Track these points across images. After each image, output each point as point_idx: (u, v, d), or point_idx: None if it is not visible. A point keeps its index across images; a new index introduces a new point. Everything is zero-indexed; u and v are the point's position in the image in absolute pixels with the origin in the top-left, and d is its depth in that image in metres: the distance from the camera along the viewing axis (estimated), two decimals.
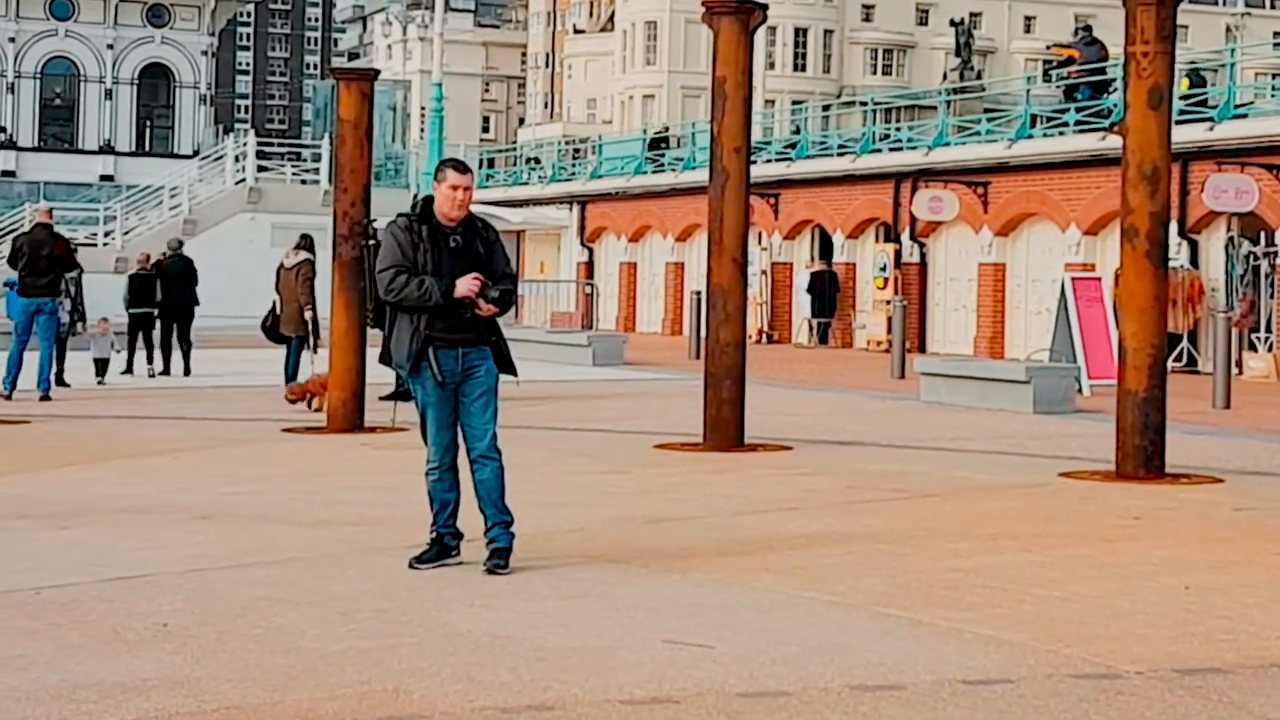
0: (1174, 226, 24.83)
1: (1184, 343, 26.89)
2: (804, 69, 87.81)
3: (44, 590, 7.64)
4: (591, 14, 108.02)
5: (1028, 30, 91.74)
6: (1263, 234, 26.83)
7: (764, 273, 38.03)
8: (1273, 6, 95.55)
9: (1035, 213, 31.22)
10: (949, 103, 36.78)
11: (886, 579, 8.13)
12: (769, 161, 37.95)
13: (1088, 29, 32.73)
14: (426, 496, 8.33)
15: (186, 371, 23.38)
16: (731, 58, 14.83)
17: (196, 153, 52.05)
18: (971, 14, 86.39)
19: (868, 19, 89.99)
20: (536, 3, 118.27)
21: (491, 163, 57.85)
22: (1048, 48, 31.51)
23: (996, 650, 6.60)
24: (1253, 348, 26.39)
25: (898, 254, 34.37)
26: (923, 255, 34.17)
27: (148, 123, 55.73)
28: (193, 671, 6.11)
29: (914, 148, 34.99)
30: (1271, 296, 26.62)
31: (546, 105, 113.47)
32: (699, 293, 28.92)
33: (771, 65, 76.63)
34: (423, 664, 6.24)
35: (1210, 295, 27.29)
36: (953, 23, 76.48)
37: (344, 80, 16.59)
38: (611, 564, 8.49)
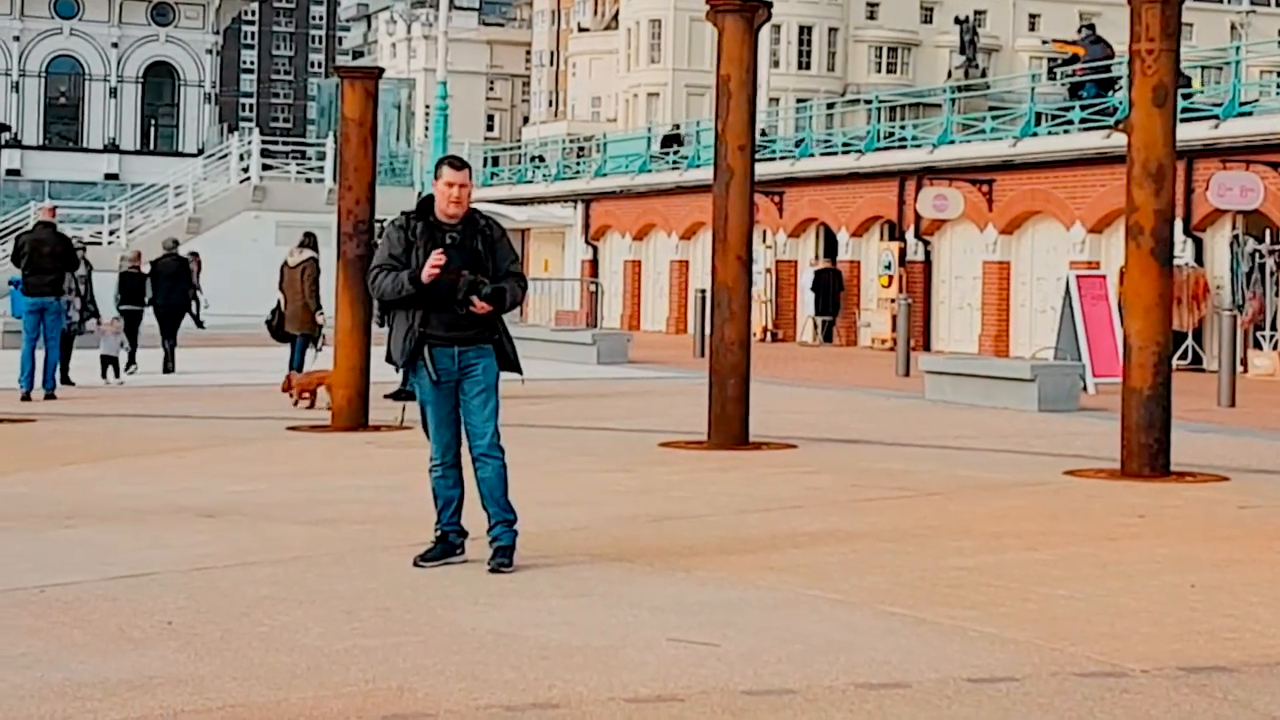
0: (1179, 224, 24.81)
1: (1189, 341, 26.86)
2: (808, 67, 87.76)
3: (48, 588, 7.65)
4: (596, 12, 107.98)
5: (1032, 28, 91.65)
6: (1268, 232, 26.80)
7: (768, 271, 38.00)
8: (1278, 4, 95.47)
9: (1040, 211, 31.19)
10: (954, 101, 36.76)
11: (891, 577, 8.13)
12: (774, 160, 37.93)
13: (1090, 27, 32.68)
14: (431, 494, 8.34)
15: (169, 369, 23.47)
16: (736, 56, 14.82)
17: (201, 151, 52.04)
18: (976, 12, 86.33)
19: (872, 17, 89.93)
20: (541, 1, 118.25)
21: (496, 161, 57.86)
22: (1044, 43, 31.48)
23: (1001, 648, 6.59)
24: (1258, 345, 26.37)
25: (902, 252, 34.35)
26: (927, 253, 34.15)
27: (152, 121, 55.72)
28: (197, 669, 6.12)
29: (919, 146, 34.96)
30: (1276, 294, 26.59)
31: (551, 103, 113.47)
32: (703, 291, 28.91)
33: (776, 63, 76.59)
34: (427, 662, 6.24)
35: (1215, 293, 27.26)
36: (957, 21, 76.44)
37: (348, 79, 16.59)
38: (616, 562, 8.49)
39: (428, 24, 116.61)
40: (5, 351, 19.49)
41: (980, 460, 13.78)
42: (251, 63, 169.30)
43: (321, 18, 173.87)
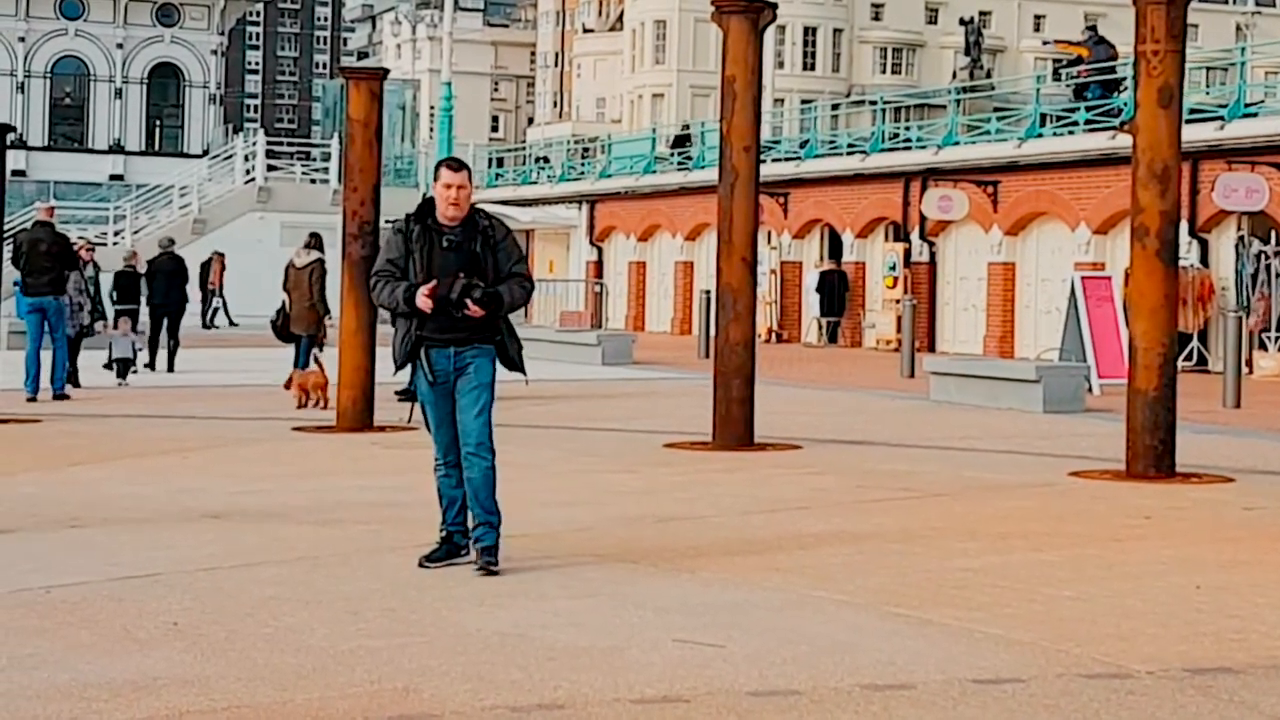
0: (1184, 226, 24.79)
1: (1194, 342, 26.85)
2: (813, 68, 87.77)
3: (54, 589, 7.65)
4: (601, 13, 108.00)
5: (1037, 29, 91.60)
6: (1273, 233, 26.77)
7: (773, 272, 38.00)
8: None
9: (1045, 212, 31.18)
10: (958, 102, 36.74)
11: (896, 578, 8.13)
12: (778, 161, 37.93)
13: (1093, 29, 32.67)
14: (436, 494, 8.34)
15: (170, 368, 23.52)
16: (741, 57, 14.83)
17: (206, 152, 52.08)
18: (981, 13, 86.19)
19: (877, 18, 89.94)
20: (546, 2, 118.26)
21: (500, 162, 57.87)
22: (1045, 44, 31.44)
23: (1007, 650, 6.59)
24: (1263, 347, 26.35)
25: (907, 253, 34.34)
26: (932, 254, 34.14)
27: (157, 122, 55.77)
28: (203, 670, 6.12)
29: (923, 147, 34.95)
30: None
31: (556, 104, 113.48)
32: (708, 292, 28.91)
33: (781, 64, 76.56)
34: (433, 663, 6.24)
35: (1220, 294, 27.24)
36: (962, 21, 76.31)
37: (353, 80, 16.60)
38: (621, 563, 8.49)
39: (432, 25, 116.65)
40: (11, 352, 19.46)
41: (985, 461, 13.78)
42: (256, 64, 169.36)
43: (326, 19, 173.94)
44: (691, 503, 10.99)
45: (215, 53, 56.29)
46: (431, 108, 75.15)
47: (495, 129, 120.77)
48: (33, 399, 18.13)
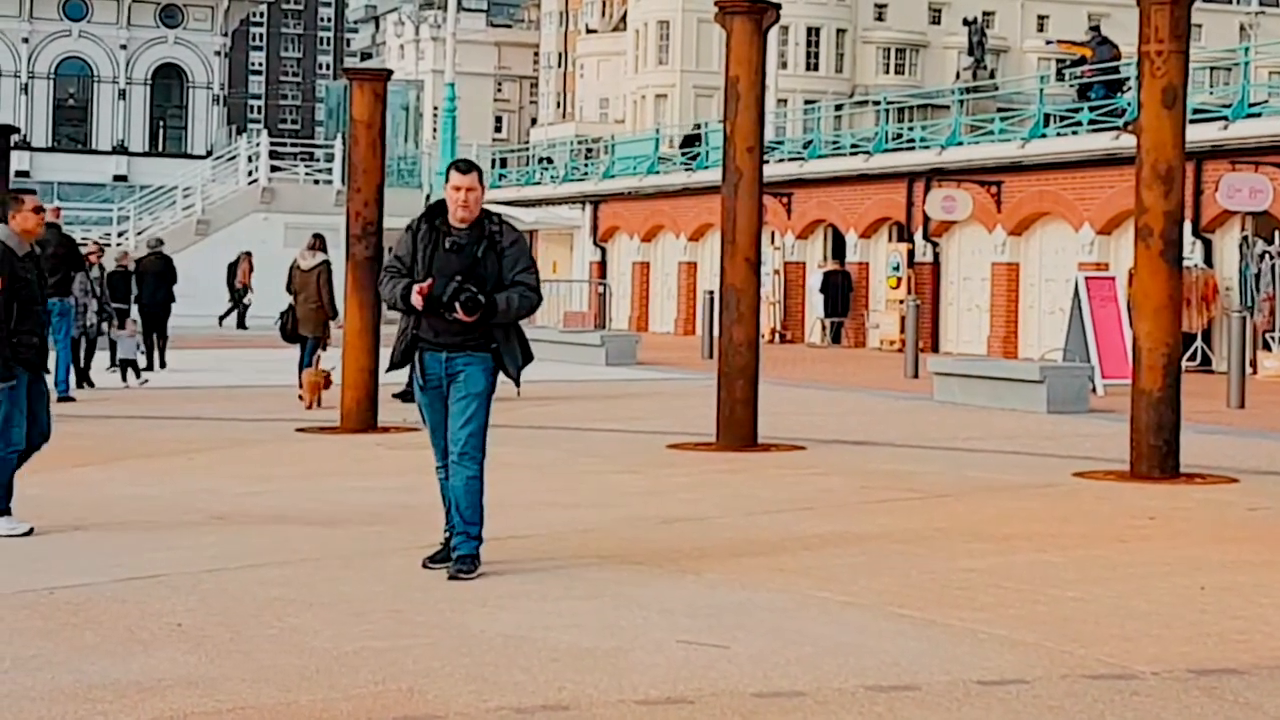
0: (1188, 226, 24.78)
1: (1198, 342, 26.84)
2: (817, 68, 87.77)
3: (58, 590, 7.65)
4: (604, 13, 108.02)
5: (1041, 29, 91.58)
6: (1276, 233, 26.76)
7: (777, 272, 38.00)
8: None
9: (1049, 212, 31.18)
10: (962, 102, 36.74)
11: (900, 579, 8.12)
12: (782, 161, 37.93)
13: (1096, 29, 32.66)
14: (440, 495, 8.34)
15: (162, 365, 23.57)
16: (744, 57, 14.82)
17: (210, 153, 52.11)
18: (984, 13, 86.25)
19: (880, 18, 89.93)
20: (549, 2, 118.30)
21: (504, 162, 57.88)
22: (1048, 43, 31.39)
23: (1011, 651, 6.59)
24: (1267, 347, 26.33)
25: (911, 253, 34.34)
26: (936, 255, 34.13)
27: (161, 123, 55.81)
28: (207, 671, 6.12)
29: (927, 147, 34.95)
30: None
31: (559, 105, 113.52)
32: (712, 292, 28.91)
33: (784, 65, 76.54)
34: (437, 664, 6.24)
35: (1224, 294, 27.23)
36: (966, 22, 76.41)
37: (357, 81, 16.60)
38: (625, 564, 8.49)
39: (436, 25, 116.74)
40: None
41: (989, 462, 13.78)
42: (260, 64, 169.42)
43: (329, 20, 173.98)
44: (695, 503, 10.99)
45: (219, 53, 56.33)
46: (435, 108, 75.18)
47: (499, 130, 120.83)
48: None
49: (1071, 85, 33.33)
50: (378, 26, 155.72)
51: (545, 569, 8.25)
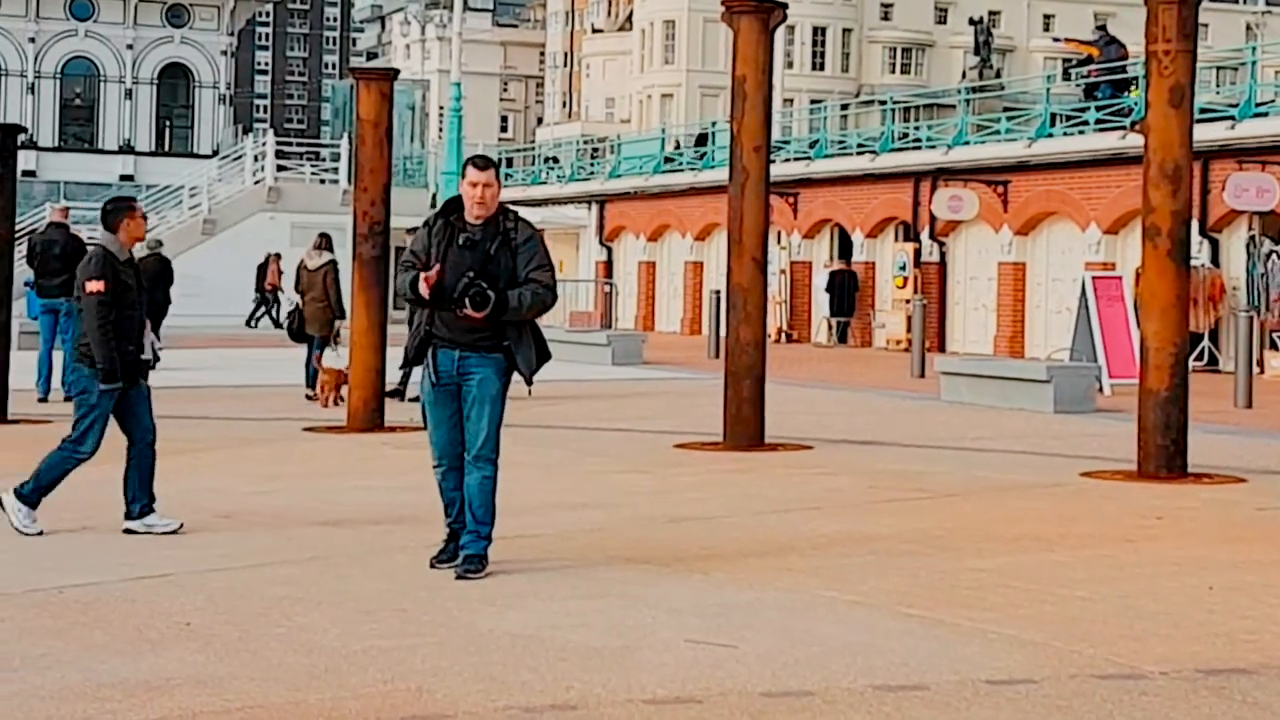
0: (1195, 225, 24.76)
1: (1205, 342, 26.81)
2: (823, 68, 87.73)
3: (67, 589, 7.66)
4: (610, 13, 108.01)
5: (1047, 28, 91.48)
6: None
7: (783, 272, 37.98)
8: None
9: (1055, 212, 31.15)
10: (968, 101, 36.74)
11: (909, 579, 8.12)
12: (788, 161, 37.91)
13: (1103, 28, 32.63)
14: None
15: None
16: (751, 57, 14.82)
17: (216, 152, 52.12)
18: (990, 12, 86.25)
19: (886, 18, 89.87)
20: (555, 2, 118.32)
21: (510, 162, 57.87)
22: (1055, 40, 31.30)
23: (1020, 650, 6.59)
24: (1274, 346, 26.30)
25: (917, 253, 34.32)
26: (942, 254, 34.11)
27: (167, 122, 55.83)
28: (216, 670, 6.13)
29: (933, 147, 34.93)
30: None
31: (565, 104, 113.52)
32: (718, 292, 28.90)
33: (790, 64, 76.58)
34: (445, 663, 6.24)
35: (1231, 294, 27.21)
36: (972, 21, 76.41)
37: (363, 80, 16.61)
38: (632, 564, 8.49)
39: (441, 25, 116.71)
40: (23, 353, 19.48)
41: (996, 462, 13.77)
42: (266, 64, 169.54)
43: (336, 19, 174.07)
44: (703, 503, 10.99)
45: (225, 53, 56.35)
46: (441, 108, 75.17)
47: (504, 129, 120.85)
48: (44, 400, 18.15)
49: (1078, 85, 33.31)
50: (383, 26, 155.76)
51: (553, 568, 8.26)
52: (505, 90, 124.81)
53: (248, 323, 40.09)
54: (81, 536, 9.35)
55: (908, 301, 31.62)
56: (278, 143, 49.46)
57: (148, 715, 5.52)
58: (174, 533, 9.30)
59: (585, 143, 59.27)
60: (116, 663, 6.25)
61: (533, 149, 64.97)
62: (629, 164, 47.38)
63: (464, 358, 8.02)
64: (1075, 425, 16.94)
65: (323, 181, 49.30)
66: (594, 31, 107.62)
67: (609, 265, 46.45)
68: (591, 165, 51.89)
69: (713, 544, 9.15)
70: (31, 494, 9.38)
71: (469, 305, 7.86)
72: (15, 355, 16.94)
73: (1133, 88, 29.34)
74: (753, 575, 8.16)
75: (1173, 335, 12.77)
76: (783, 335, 37.31)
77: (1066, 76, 35.39)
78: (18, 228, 18.29)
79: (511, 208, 8.32)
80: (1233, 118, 27.15)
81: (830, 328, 36.68)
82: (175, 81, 55.69)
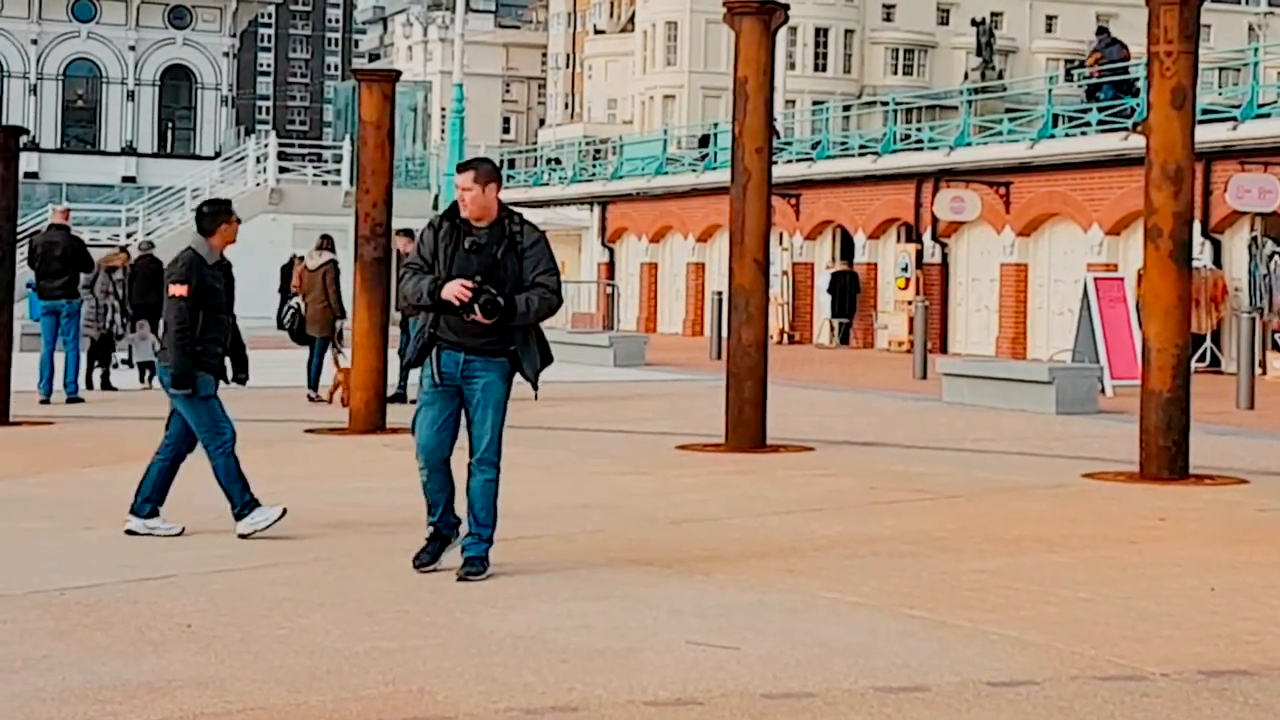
0: (1197, 226, 24.75)
1: (1207, 343, 26.80)
2: (825, 69, 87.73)
3: (69, 591, 7.67)
4: (612, 14, 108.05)
5: (1049, 30, 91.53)
6: None
7: (785, 273, 37.98)
8: None
9: (1057, 213, 31.14)
10: (970, 103, 36.72)
11: (910, 580, 8.12)
12: (790, 162, 37.91)
13: (1105, 30, 32.60)
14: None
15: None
16: (753, 58, 14.82)
17: (218, 154, 52.15)
18: (993, 14, 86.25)
19: (888, 19, 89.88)
20: (557, 3, 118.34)
21: (512, 163, 57.89)
22: (1081, 65, 31.27)
23: (1021, 652, 6.58)
24: (1276, 347, 26.28)
25: (919, 254, 34.31)
26: (944, 255, 34.10)
27: (169, 124, 55.87)
28: (217, 672, 6.13)
29: (935, 148, 34.92)
30: None
31: (567, 106, 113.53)
32: (720, 293, 28.89)
33: (792, 65, 76.52)
34: (446, 665, 6.24)
35: (1234, 295, 27.20)
36: (974, 22, 76.42)
37: (365, 82, 16.61)
38: (634, 565, 8.49)
39: (444, 26, 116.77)
40: (25, 354, 19.51)
41: (998, 463, 13.77)
42: (268, 66, 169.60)
43: (337, 21, 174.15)
44: (704, 504, 10.99)
45: (227, 55, 56.39)
46: (443, 109, 75.25)
47: (507, 130, 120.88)
48: (46, 401, 18.16)
49: (1080, 86, 33.28)
50: (386, 28, 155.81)
51: (555, 570, 8.26)
52: (507, 91, 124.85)
53: (280, 325, 40.09)
54: (83, 538, 9.34)
55: (910, 303, 31.61)
56: (280, 144, 49.48)
57: (149, 717, 5.53)
58: (176, 536, 9.29)
59: (587, 144, 59.30)
60: (118, 664, 6.25)
61: (535, 150, 64.99)
62: (631, 165, 47.39)
63: (469, 361, 8.02)
64: (1077, 426, 16.93)
65: (325, 183, 49.32)
66: (596, 33, 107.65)
67: (611, 267, 46.45)
68: (594, 167, 51.91)
69: (714, 545, 9.15)
70: (243, 506, 9.32)
71: (479, 312, 7.85)
72: (17, 357, 16.94)
73: (1135, 89, 29.33)
74: (754, 577, 8.16)
75: (1175, 336, 12.77)
76: (785, 336, 37.30)
77: (1069, 77, 35.38)
78: (20, 229, 18.29)
79: (517, 210, 8.31)
80: (1235, 119, 27.13)
81: (832, 329, 36.68)
82: (177, 83, 55.73)
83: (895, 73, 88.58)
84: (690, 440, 14.92)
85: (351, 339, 16.30)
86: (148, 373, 21.28)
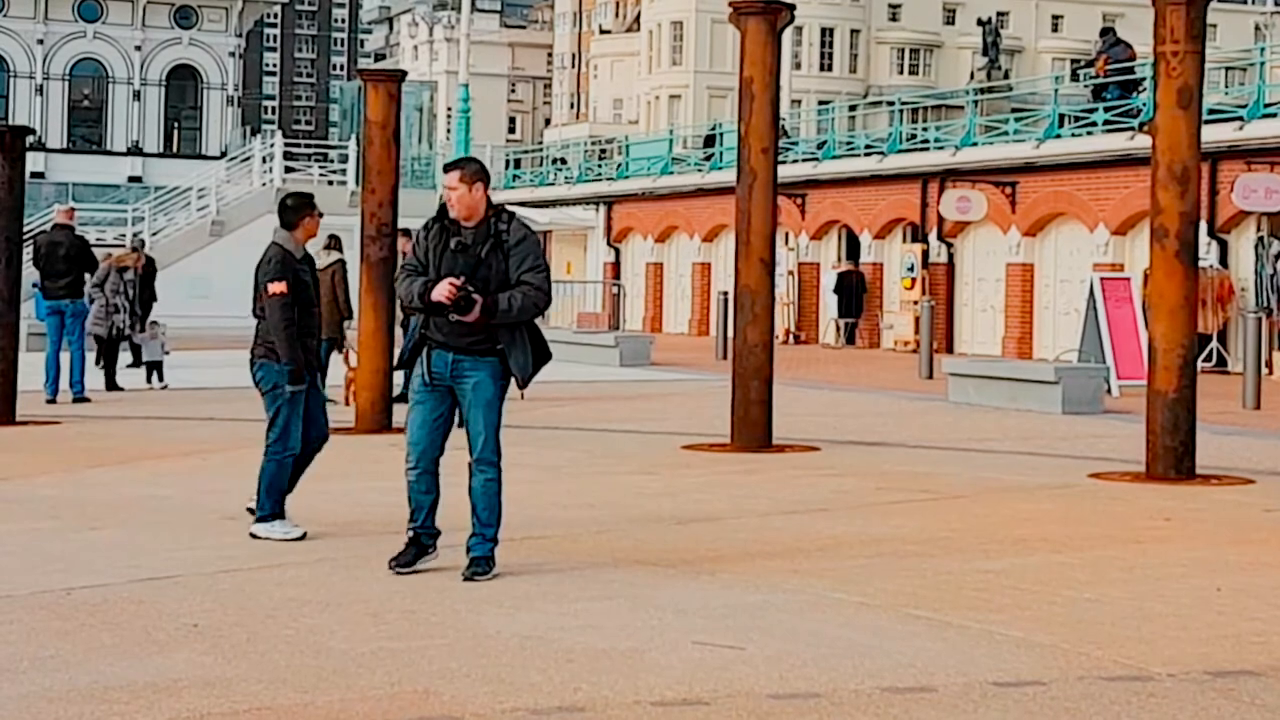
0: (1203, 226, 24.73)
1: (1213, 343, 26.78)
2: (830, 69, 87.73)
3: (75, 591, 7.67)
4: (617, 14, 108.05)
5: (1055, 29, 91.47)
6: None
7: (791, 273, 37.98)
8: None
9: (1063, 213, 31.13)
10: (976, 102, 36.69)
11: (916, 580, 8.12)
12: (796, 162, 37.91)
13: (1111, 30, 32.56)
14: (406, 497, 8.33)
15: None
16: (759, 58, 14.81)
17: (224, 154, 52.17)
18: (999, 13, 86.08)
19: (894, 19, 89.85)
20: (562, 3, 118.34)
21: (518, 163, 57.90)
22: (1089, 65, 31.24)
23: (1027, 652, 6.58)
24: None
25: (925, 254, 34.30)
26: (950, 255, 34.09)
27: (175, 124, 55.90)
28: (224, 672, 6.13)
29: (941, 148, 34.91)
30: None
31: (573, 105, 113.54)
32: (726, 293, 28.90)
33: (798, 65, 76.53)
34: (452, 665, 6.25)
35: (1240, 295, 27.17)
36: (980, 22, 76.29)
37: (371, 82, 16.62)
38: (640, 565, 8.49)
39: (449, 26, 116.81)
40: (32, 354, 19.55)
41: (1004, 463, 13.76)
42: (274, 65, 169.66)
43: (343, 20, 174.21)
44: (710, 504, 10.99)
45: (233, 55, 56.41)
46: (449, 109, 75.19)
47: (512, 130, 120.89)
48: (52, 401, 18.18)
49: (1086, 85, 33.26)
50: (391, 27, 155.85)
51: (561, 570, 8.26)
52: (513, 91, 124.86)
53: None
54: (89, 538, 9.35)
55: (915, 302, 31.60)
56: (286, 144, 49.49)
57: (155, 717, 5.53)
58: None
59: (593, 144, 59.30)
60: (124, 664, 6.26)
61: (540, 150, 64.98)
62: (637, 165, 47.39)
63: (458, 360, 8.04)
64: (1083, 426, 16.92)
65: (331, 183, 49.32)
66: (602, 32, 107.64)
67: (617, 266, 46.46)
68: (599, 166, 51.90)
69: (720, 545, 9.15)
70: (271, 511, 9.29)
71: (453, 309, 7.87)
72: (23, 357, 16.97)
73: (1141, 88, 29.32)
74: (760, 577, 8.16)
75: (1181, 336, 12.76)
76: (790, 336, 37.31)
77: (1075, 77, 35.34)
78: (26, 229, 18.29)
79: (509, 208, 8.31)
80: (1241, 118, 27.11)
81: (838, 329, 36.67)
82: (183, 83, 55.76)
83: (901, 72, 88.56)
84: (696, 440, 14.93)
85: (357, 339, 16.30)
86: (155, 373, 21.30)
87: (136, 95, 54.90)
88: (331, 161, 51.45)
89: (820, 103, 72.35)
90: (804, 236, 38.47)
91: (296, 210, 9.54)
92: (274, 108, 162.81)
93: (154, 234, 45.27)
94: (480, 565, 8.00)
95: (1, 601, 7.43)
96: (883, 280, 36.11)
